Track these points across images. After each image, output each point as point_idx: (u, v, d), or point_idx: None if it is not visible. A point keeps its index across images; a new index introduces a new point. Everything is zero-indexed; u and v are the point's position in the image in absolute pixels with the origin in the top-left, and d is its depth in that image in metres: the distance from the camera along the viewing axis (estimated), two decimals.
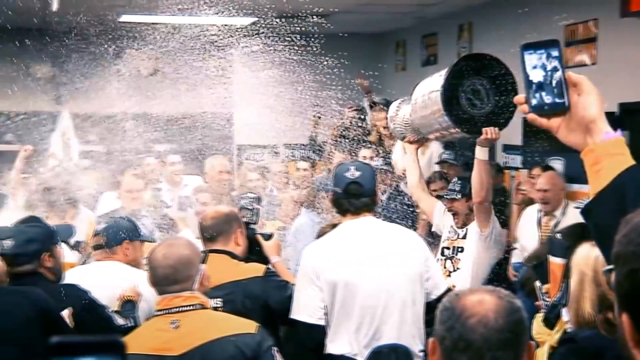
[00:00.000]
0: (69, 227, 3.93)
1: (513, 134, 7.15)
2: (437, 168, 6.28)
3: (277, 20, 8.25)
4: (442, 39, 8.53)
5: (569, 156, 6.45)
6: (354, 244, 3.11)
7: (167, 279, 2.48)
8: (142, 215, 5.07)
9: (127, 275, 3.36)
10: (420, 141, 4.42)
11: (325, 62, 7.52)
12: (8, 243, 2.94)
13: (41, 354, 2.51)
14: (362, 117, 7.62)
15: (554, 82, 1.39)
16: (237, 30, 8.51)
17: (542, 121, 1.41)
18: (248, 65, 8.85)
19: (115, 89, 8.51)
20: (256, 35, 8.72)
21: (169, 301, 2.47)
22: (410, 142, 4.41)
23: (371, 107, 7.69)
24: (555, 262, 3.53)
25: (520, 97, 1.42)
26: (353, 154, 6.94)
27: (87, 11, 6.98)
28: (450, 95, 3.57)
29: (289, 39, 8.43)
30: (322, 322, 3.05)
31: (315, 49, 7.52)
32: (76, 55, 8.37)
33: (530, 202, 5.73)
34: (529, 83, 1.40)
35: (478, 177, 3.88)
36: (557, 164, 6.36)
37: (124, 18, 7.87)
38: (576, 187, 5.75)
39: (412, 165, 4.44)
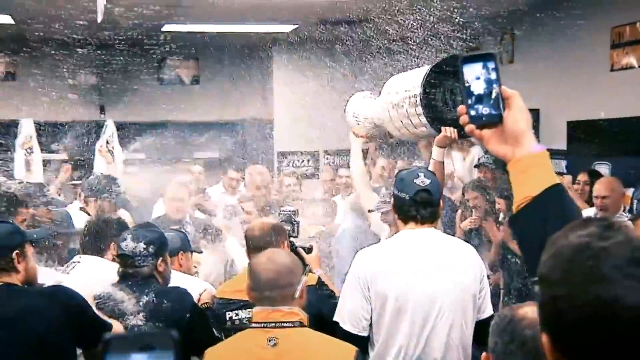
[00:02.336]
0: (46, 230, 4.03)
1: (557, 138, 7.04)
2: (476, 172, 6.21)
3: (317, 27, 8.28)
4: (484, 46, 8.45)
5: (616, 160, 6.33)
6: (413, 256, 2.95)
7: (269, 284, 2.43)
8: (185, 222, 5.12)
9: (188, 284, 3.41)
10: (369, 135, 4.33)
11: (367, 69, 7.51)
12: (127, 244, 3.02)
13: (73, 355, 2.55)
14: None
15: (490, 95, 1.44)
16: (277, 37, 8.57)
17: (476, 132, 1.47)
18: (289, 72, 8.90)
19: (157, 97, 8.64)
20: (297, 42, 8.76)
21: (267, 314, 2.41)
22: (358, 136, 4.31)
23: None
24: None
25: (463, 108, 1.47)
26: (392, 159, 6.93)
27: (130, 21, 7.09)
28: (427, 93, 3.50)
29: (329, 45, 8.45)
30: (364, 334, 2.94)
31: (356, 56, 7.52)
32: (120, 65, 8.53)
33: None
34: (467, 95, 1.45)
35: None
36: (604, 168, 6.23)
37: (167, 27, 7.98)
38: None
39: (357, 158, 4.33)
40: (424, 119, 3.54)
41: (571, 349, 1.05)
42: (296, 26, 8.27)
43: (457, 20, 7.97)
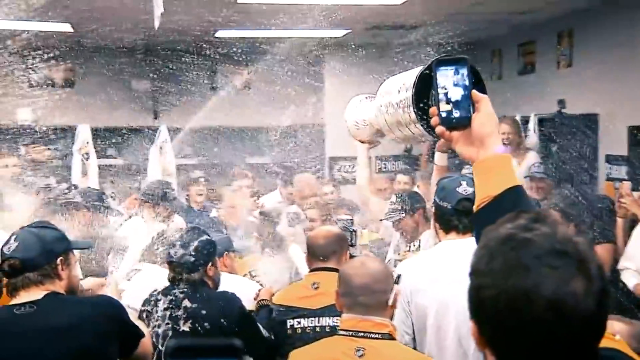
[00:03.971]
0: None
1: (617, 143, 6.84)
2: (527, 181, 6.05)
3: (369, 32, 8.23)
4: (541, 47, 8.28)
5: None
6: (455, 267, 2.79)
7: (362, 289, 2.36)
8: (238, 226, 5.14)
9: (238, 285, 3.42)
10: (373, 142, 4.25)
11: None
12: (176, 251, 3.04)
13: None
14: None
15: (461, 98, 1.49)
16: (329, 43, 8.55)
17: (446, 133, 1.53)
18: (340, 77, 8.88)
19: (210, 103, 8.72)
20: (348, 47, 8.74)
21: (356, 322, 2.34)
22: (362, 142, 4.26)
23: None
24: None
25: (434, 109, 1.53)
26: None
27: (184, 28, 7.18)
28: (421, 95, 3.40)
29: (381, 50, 8.40)
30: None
31: (407, 60, 7.44)
32: (173, 71, 8.64)
33: (634, 216, 5.37)
34: (439, 97, 1.51)
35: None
36: None
37: (220, 34, 8.05)
38: None
39: (363, 165, 4.29)
40: (420, 126, 3.45)
41: (494, 336, 1.09)
42: (348, 31, 8.25)
43: (512, 22, 7.84)
